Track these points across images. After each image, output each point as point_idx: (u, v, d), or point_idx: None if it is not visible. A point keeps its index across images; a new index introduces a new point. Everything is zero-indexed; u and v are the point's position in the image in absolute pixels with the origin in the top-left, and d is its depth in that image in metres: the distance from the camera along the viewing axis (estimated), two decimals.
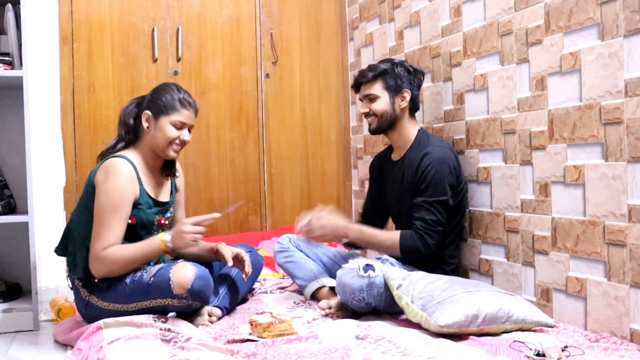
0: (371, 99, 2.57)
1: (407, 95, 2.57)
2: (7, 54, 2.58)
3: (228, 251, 2.35)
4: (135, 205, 2.21)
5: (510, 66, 2.41)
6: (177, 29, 3.37)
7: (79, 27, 3.21)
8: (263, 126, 3.57)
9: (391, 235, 2.48)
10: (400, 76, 2.56)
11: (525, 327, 2.05)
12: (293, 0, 3.64)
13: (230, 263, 2.31)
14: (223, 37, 3.49)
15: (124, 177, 2.18)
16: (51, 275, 3.08)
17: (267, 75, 3.57)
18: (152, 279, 2.10)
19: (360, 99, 2.65)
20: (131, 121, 2.32)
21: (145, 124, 2.28)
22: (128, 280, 2.14)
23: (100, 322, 2.08)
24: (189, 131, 2.33)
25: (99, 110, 3.24)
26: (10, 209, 2.71)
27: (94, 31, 3.24)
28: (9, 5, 2.54)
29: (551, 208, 2.23)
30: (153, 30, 3.33)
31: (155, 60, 3.34)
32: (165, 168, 2.38)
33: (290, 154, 3.63)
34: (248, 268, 2.35)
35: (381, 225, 2.79)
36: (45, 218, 3.06)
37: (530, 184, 2.33)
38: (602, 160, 2.01)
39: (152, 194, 2.30)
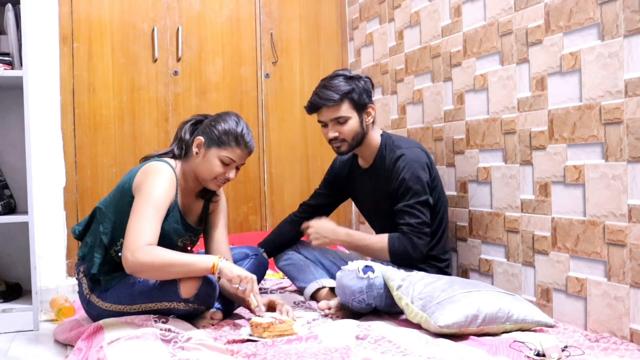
0: (341, 122, 2.41)
1: (372, 111, 2.47)
2: (7, 54, 2.58)
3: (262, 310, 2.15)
4: (166, 214, 2.12)
5: (510, 66, 2.41)
6: (177, 29, 3.38)
7: (79, 27, 3.21)
8: (263, 126, 3.57)
9: (379, 238, 2.41)
10: (363, 91, 2.43)
11: (525, 327, 2.05)
12: (293, 0, 3.64)
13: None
14: (223, 37, 3.49)
15: (166, 179, 2.11)
16: (51, 275, 3.09)
17: (267, 75, 3.57)
18: (158, 281, 2.09)
19: (322, 122, 2.47)
20: (187, 137, 2.23)
21: (195, 150, 2.18)
22: (133, 281, 2.12)
23: (101, 322, 2.07)
24: (238, 169, 2.22)
25: (99, 110, 3.24)
26: (10, 209, 2.71)
27: (94, 31, 3.24)
28: (9, 5, 2.54)
29: (551, 208, 2.23)
30: (153, 30, 3.33)
31: (155, 60, 3.34)
32: (204, 190, 2.28)
33: (290, 154, 3.63)
34: (283, 314, 2.16)
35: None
36: (45, 218, 3.06)
37: (530, 184, 2.33)
38: (602, 160, 2.01)
39: (182, 211, 2.23)
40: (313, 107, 2.45)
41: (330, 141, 2.47)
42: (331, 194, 2.75)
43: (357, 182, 2.63)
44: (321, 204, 2.76)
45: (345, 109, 2.41)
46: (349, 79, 2.43)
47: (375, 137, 2.52)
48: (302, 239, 2.78)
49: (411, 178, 2.38)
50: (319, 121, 2.48)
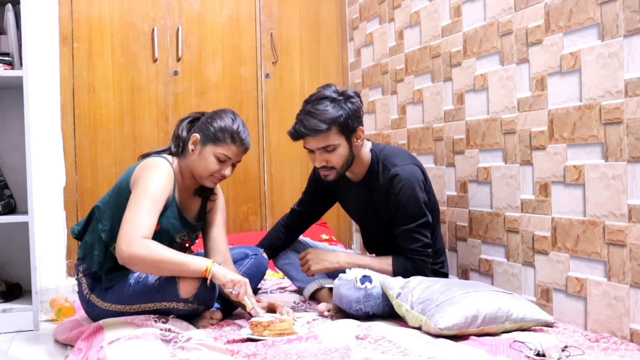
0: (329, 150, 2.25)
1: (362, 133, 2.31)
2: (7, 54, 2.58)
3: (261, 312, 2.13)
4: (164, 210, 2.12)
5: (510, 66, 2.41)
6: (177, 29, 3.38)
7: (79, 27, 3.21)
8: (263, 126, 3.57)
9: (383, 261, 2.35)
10: (351, 114, 2.24)
11: (524, 326, 2.05)
12: (293, 0, 3.64)
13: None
14: (223, 37, 3.49)
15: (163, 172, 2.11)
16: (51, 275, 3.09)
17: (267, 75, 3.57)
18: (157, 281, 2.10)
19: (308, 149, 2.30)
20: (184, 134, 2.24)
21: (191, 147, 2.18)
22: (132, 281, 2.12)
23: (101, 322, 2.08)
24: (234, 166, 2.21)
25: (99, 110, 3.24)
26: (10, 209, 2.71)
27: (94, 31, 3.24)
28: (9, 5, 2.54)
29: (551, 208, 2.23)
30: (153, 30, 3.33)
31: (155, 60, 3.34)
32: (201, 188, 2.28)
33: (290, 154, 3.63)
34: (283, 314, 2.15)
35: (305, 227, 2.73)
36: (45, 218, 3.06)
37: (530, 184, 2.33)
38: (602, 160, 2.01)
39: (180, 207, 2.23)
40: (297, 136, 2.26)
41: (320, 169, 2.34)
42: (316, 201, 2.69)
43: (345, 194, 2.57)
44: (308, 210, 2.71)
45: (333, 137, 2.24)
46: (336, 102, 2.24)
47: (365, 154, 2.39)
48: (300, 237, 2.79)
49: (409, 201, 2.29)
50: (305, 147, 2.31)
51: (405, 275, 2.29)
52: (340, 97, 2.26)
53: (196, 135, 2.18)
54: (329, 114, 2.21)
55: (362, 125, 2.34)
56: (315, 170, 2.60)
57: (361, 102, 2.35)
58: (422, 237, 2.32)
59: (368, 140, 2.46)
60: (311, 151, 2.30)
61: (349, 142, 2.29)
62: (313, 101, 2.27)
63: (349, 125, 2.26)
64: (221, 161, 2.17)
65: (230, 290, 2.04)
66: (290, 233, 2.72)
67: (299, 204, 2.73)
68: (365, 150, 2.40)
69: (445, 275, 2.49)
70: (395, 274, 2.32)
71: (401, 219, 2.32)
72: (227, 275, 2.04)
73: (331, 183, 2.46)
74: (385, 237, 2.43)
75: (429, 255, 2.35)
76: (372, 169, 2.39)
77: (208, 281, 2.05)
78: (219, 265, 2.07)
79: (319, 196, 2.67)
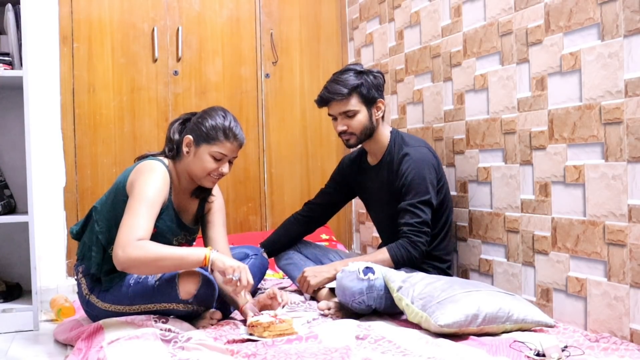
0: (349, 115, 2.44)
1: (382, 106, 2.50)
2: (7, 54, 2.58)
3: (251, 313, 2.14)
4: (160, 213, 2.12)
5: (510, 66, 2.41)
6: (177, 29, 3.38)
7: (79, 27, 3.21)
8: (263, 126, 3.57)
9: (380, 253, 2.39)
10: (372, 86, 2.46)
11: (525, 327, 2.05)
12: (293, 0, 3.64)
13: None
14: (223, 37, 3.49)
15: (159, 176, 2.10)
16: (51, 275, 3.09)
17: (267, 75, 3.57)
18: (157, 282, 2.09)
19: (332, 116, 2.50)
20: (176, 136, 2.23)
21: (185, 149, 2.17)
22: (132, 281, 2.12)
23: (101, 322, 2.08)
24: (231, 163, 2.21)
25: (99, 110, 3.24)
26: (10, 209, 2.71)
27: (94, 31, 3.24)
28: (9, 5, 2.54)
29: (551, 208, 2.23)
30: (153, 30, 3.33)
31: (155, 60, 3.34)
32: (198, 190, 2.28)
33: (290, 154, 3.63)
34: (281, 300, 2.22)
35: (319, 223, 2.80)
36: (45, 218, 3.06)
37: (530, 184, 2.33)
38: (602, 160, 2.01)
39: (176, 210, 2.23)
40: (322, 101, 2.49)
41: (340, 134, 2.51)
42: (339, 192, 2.77)
43: (366, 178, 2.65)
44: (328, 202, 2.78)
45: (354, 103, 2.44)
46: (359, 73, 2.45)
47: (384, 132, 2.54)
48: (304, 239, 2.79)
49: (415, 177, 2.39)
50: (329, 114, 2.51)
51: (403, 256, 2.35)
52: (363, 70, 2.48)
53: (189, 137, 2.18)
54: (351, 82, 2.43)
55: (383, 99, 2.51)
56: (343, 160, 2.79)
57: (384, 79, 2.54)
58: (420, 213, 2.38)
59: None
60: (334, 118, 2.50)
61: (368, 111, 2.47)
62: (339, 72, 2.51)
63: (369, 95, 2.45)
64: (217, 159, 2.16)
65: (230, 276, 2.01)
66: (307, 225, 2.78)
67: (317, 196, 2.82)
68: (385, 130, 2.55)
69: (449, 276, 2.49)
70: (393, 259, 2.36)
71: (405, 194, 2.41)
72: (226, 262, 2.02)
73: (356, 168, 2.68)
74: (397, 227, 2.44)
75: (426, 234, 2.38)
76: (390, 150, 2.53)
77: (209, 268, 2.03)
78: (217, 252, 2.06)
79: (342, 185, 2.76)
